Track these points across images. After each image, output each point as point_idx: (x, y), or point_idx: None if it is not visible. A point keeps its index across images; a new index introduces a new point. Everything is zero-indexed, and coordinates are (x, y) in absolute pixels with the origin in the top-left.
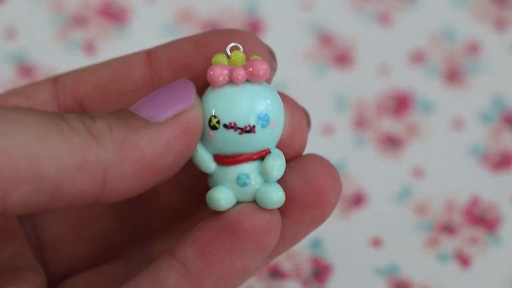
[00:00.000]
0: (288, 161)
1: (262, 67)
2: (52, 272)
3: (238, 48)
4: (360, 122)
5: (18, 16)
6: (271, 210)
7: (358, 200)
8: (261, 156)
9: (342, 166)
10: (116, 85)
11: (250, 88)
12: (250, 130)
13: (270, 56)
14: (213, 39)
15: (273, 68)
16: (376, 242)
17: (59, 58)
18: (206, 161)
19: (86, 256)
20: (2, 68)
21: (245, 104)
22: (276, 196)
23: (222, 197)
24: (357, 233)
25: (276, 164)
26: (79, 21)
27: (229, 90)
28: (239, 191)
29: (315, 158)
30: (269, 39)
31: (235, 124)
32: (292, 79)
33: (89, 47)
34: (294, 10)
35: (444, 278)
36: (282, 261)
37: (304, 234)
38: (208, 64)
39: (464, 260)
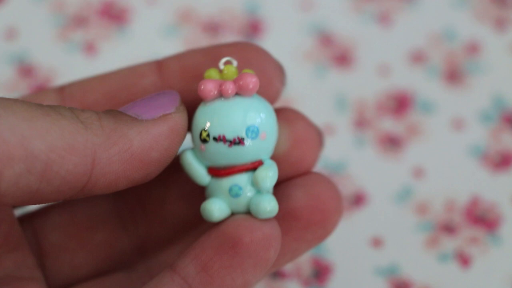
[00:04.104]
0: (296, 177)
1: (251, 80)
2: (52, 281)
3: (231, 63)
4: (361, 122)
5: (19, 16)
6: (270, 224)
7: (358, 200)
8: (254, 167)
9: (343, 166)
10: (125, 93)
11: (239, 101)
12: (239, 142)
13: (279, 71)
14: (225, 50)
15: (282, 83)
16: (377, 242)
17: (60, 59)
18: (199, 173)
19: (87, 265)
20: (3, 69)
21: (233, 116)
22: (269, 205)
23: (215, 208)
24: (358, 233)
25: (268, 175)
26: (80, 21)
27: (218, 104)
28: (232, 202)
29: (321, 178)
30: (269, 39)
31: (224, 136)
32: (292, 80)
33: (90, 48)
34: (295, 10)
35: (445, 278)
36: None
37: (305, 250)
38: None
39: (464, 260)
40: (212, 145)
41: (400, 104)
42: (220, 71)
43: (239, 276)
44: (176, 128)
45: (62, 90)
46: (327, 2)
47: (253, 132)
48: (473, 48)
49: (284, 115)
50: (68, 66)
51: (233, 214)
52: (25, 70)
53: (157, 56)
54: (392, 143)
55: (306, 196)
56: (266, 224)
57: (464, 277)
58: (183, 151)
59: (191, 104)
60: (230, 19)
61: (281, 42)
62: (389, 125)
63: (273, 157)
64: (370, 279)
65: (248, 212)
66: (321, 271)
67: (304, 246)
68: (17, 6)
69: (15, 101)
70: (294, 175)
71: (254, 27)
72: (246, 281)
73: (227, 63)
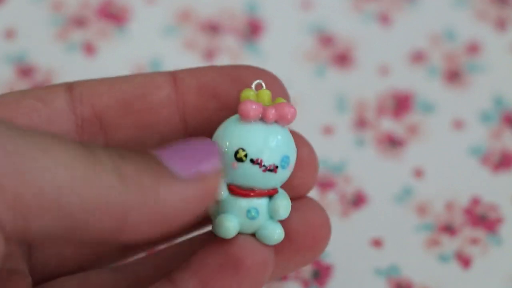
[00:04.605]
0: (293, 199)
1: (290, 110)
2: (37, 272)
3: (262, 86)
4: (361, 123)
5: (18, 16)
6: (268, 248)
7: (358, 200)
8: (271, 194)
9: (343, 166)
10: (140, 102)
11: (277, 129)
12: (273, 169)
13: (288, 99)
14: (244, 73)
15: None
16: (377, 243)
17: (59, 59)
18: (220, 188)
19: (73, 259)
20: (1, 69)
21: (274, 144)
22: (276, 233)
23: (232, 225)
24: (358, 233)
25: (284, 204)
26: (79, 21)
27: (260, 127)
28: (246, 223)
29: (314, 204)
30: (269, 39)
31: (261, 161)
32: (292, 80)
33: (89, 48)
34: (294, 10)
35: (445, 278)
36: None
37: (292, 270)
38: (237, 96)
39: (464, 261)
40: (247, 166)
41: (400, 104)
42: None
43: None
44: (211, 192)
45: (71, 89)
46: (327, 2)
47: (286, 162)
48: (473, 48)
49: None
50: (67, 66)
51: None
52: (24, 70)
53: (157, 56)
54: (392, 143)
55: (301, 221)
56: (266, 248)
57: (464, 278)
58: None
59: (206, 122)
60: (230, 19)
61: (281, 42)
62: (389, 125)
63: None
64: (370, 279)
65: (253, 234)
66: (321, 272)
67: (291, 266)
68: (16, 6)
69: (56, 141)
70: (292, 198)
71: (254, 27)
72: None
73: (259, 85)
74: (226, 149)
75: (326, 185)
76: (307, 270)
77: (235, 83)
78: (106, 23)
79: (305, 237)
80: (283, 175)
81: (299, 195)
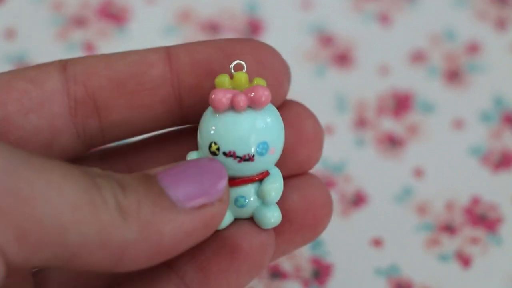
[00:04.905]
0: (295, 175)
1: (263, 93)
2: None
3: (242, 68)
4: (361, 122)
5: (18, 16)
6: (267, 231)
7: (358, 200)
8: (260, 178)
9: (343, 166)
10: (133, 82)
11: (250, 116)
12: (249, 159)
13: (288, 73)
14: (238, 47)
15: (289, 85)
16: (377, 242)
17: (59, 59)
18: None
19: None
20: (2, 69)
21: (244, 133)
22: (273, 217)
23: None
24: (358, 233)
25: (273, 187)
26: (79, 21)
27: (230, 118)
28: (237, 211)
29: (316, 180)
30: (269, 39)
31: (234, 153)
32: (292, 80)
33: (89, 48)
34: (294, 10)
35: (445, 278)
36: (283, 261)
37: (292, 250)
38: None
39: (464, 260)
40: (221, 158)
41: (400, 104)
42: (231, 76)
43: (234, 280)
44: (212, 223)
45: (65, 68)
46: (327, 2)
47: (264, 148)
48: (473, 48)
49: (294, 111)
50: None
51: (235, 219)
52: None
53: None
54: (392, 143)
55: (301, 200)
56: (264, 231)
57: (464, 277)
58: (190, 153)
59: (201, 100)
60: (230, 19)
61: (281, 42)
62: (389, 125)
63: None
64: (370, 279)
65: (251, 218)
66: (321, 272)
67: (291, 247)
68: (16, 6)
69: (70, 179)
70: (295, 174)
71: (254, 27)
72: (239, 285)
73: (238, 67)
74: (202, 143)
75: (326, 185)
76: (307, 270)
77: (230, 59)
78: (106, 23)
79: (305, 217)
80: (266, 160)
81: (303, 170)
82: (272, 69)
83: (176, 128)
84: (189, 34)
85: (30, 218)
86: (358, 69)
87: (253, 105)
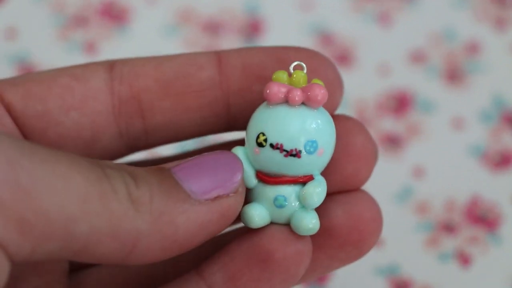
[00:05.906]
0: (343, 192)
1: (320, 91)
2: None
3: (301, 68)
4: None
5: (19, 16)
6: (303, 239)
7: None
8: (304, 181)
9: None
10: (180, 83)
11: (304, 112)
12: (296, 154)
13: (342, 85)
14: (293, 55)
15: (342, 96)
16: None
17: (60, 59)
18: (248, 175)
19: None
20: (3, 69)
21: (295, 127)
22: (311, 223)
23: (256, 214)
24: None
25: (316, 192)
26: (80, 21)
27: (282, 110)
28: (274, 211)
29: (365, 196)
30: (269, 39)
31: (281, 145)
32: None
33: (90, 47)
34: (295, 10)
35: (445, 277)
36: None
37: (336, 268)
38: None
39: (464, 260)
40: (267, 151)
41: (400, 103)
42: (290, 75)
43: None
44: (228, 215)
45: (112, 67)
46: (327, 2)
47: (312, 146)
48: (473, 48)
49: (346, 124)
50: None
51: (271, 222)
52: (26, 70)
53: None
54: (392, 142)
55: (346, 215)
56: (300, 240)
57: (464, 277)
58: (235, 148)
59: (250, 106)
60: (230, 19)
61: (281, 42)
62: (389, 124)
63: (326, 168)
64: (371, 279)
65: (287, 224)
66: None
67: (336, 264)
68: (17, 6)
69: (77, 170)
70: (342, 190)
71: (254, 27)
72: None
73: (297, 67)
74: (249, 135)
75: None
76: None
77: (282, 65)
78: (107, 23)
79: (349, 232)
80: (313, 160)
81: (351, 187)
82: (326, 78)
83: (222, 142)
84: (190, 34)
85: (34, 210)
86: (358, 69)
87: (309, 102)
